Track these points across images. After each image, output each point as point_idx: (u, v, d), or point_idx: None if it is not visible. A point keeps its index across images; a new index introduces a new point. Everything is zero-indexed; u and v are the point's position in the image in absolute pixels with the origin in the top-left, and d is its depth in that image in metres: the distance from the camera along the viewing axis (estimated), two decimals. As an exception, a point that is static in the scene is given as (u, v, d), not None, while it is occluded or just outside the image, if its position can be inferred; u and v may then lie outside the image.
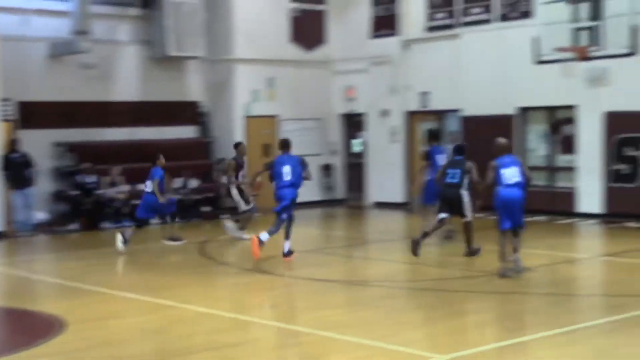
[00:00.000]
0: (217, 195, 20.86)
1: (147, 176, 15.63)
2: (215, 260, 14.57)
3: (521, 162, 12.37)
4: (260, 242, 13.45)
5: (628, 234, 16.54)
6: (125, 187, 19.36)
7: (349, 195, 23.97)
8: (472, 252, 13.68)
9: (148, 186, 15.50)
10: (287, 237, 13.79)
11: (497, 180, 11.95)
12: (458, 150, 14.00)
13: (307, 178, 14.01)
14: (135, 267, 14.34)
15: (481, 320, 9.84)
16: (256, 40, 22.20)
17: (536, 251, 14.33)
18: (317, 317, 9.88)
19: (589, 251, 15.08)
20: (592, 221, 18.26)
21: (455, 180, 13.53)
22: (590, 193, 18.73)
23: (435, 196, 14.38)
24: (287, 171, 13.74)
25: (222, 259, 14.86)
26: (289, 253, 13.85)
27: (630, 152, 18.06)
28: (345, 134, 24.14)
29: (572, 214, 18.91)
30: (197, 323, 9.81)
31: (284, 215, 13.74)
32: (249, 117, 22.30)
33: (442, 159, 15.18)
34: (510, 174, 11.93)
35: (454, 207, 13.58)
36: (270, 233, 13.61)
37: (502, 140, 12.47)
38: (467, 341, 8.88)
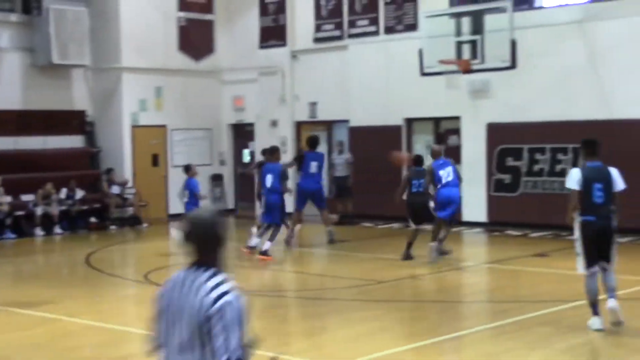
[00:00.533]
0: (105, 206, 20.49)
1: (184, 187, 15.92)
2: (103, 272, 14.30)
3: (453, 163, 14.57)
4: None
5: (510, 241, 17.07)
6: (7, 199, 18.77)
7: (239, 206, 23.92)
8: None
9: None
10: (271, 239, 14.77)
11: (436, 180, 14.12)
12: (418, 161, 15.03)
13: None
14: (19, 279, 13.94)
15: (371, 329, 9.97)
16: (144, 48, 21.93)
17: (424, 259, 14.63)
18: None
19: (474, 259, 15.49)
20: (477, 229, 18.76)
21: (421, 190, 14.50)
22: (474, 202, 19.24)
23: (303, 201, 16.40)
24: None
25: (110, 271, 14.59)
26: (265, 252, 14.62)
27: (511, 162, 18.66)
28: (235, 144, 24.09)
29: (457, 222, 19.36)
30: (83, 336, 9.62)
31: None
32: (137, 127, 21.99)
33: (314, 166, 15.87)
34: (445, 174, 14.08)
35: (424, 215, 14.46)
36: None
37: (435, 146, 15.04)
38: (357, 350, 8.97)
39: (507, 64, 15.95)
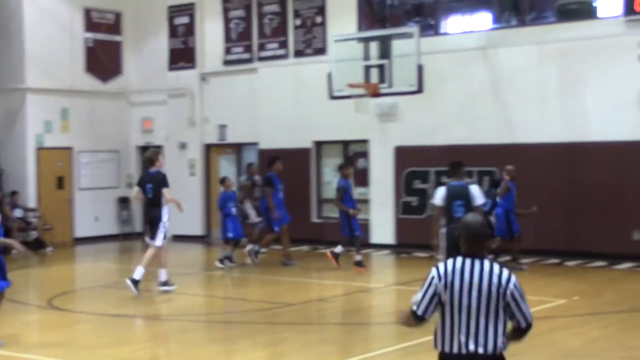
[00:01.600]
0: (7, 229, 19.92)
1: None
2: (4, 297, 13.85)
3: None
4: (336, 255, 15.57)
5: (417, 263, 17.27)
6: None
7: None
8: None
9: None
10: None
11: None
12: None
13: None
14: None
15: (279, 352, 9.95)
16: (49, 69, 21.53)
17: (331, 282, 14.71)
18: (114, 354, 9.64)
19: (381, 281, 15.61)
20: (384, 252, 18.94)
21: None
22: (382, 224, 19.44)
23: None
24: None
25: (11, 296, 14.17)
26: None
27: (418, 185, 18.94)
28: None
29: (366, 244, 19.51)
30: (-16, 365, 9.32)
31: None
32: (42, 149, 21.53)
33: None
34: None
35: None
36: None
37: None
38: (266, 372, 8.93)
39: (414, 88, 16.18)
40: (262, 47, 21.44)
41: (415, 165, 18.98)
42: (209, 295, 13.55)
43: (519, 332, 5.17)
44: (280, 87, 20.92)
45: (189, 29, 22.45)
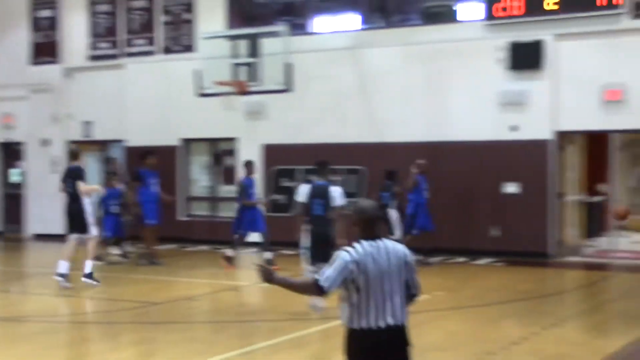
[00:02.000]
0: None
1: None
2: None
3: None
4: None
5: (286, 260, 17.34)
6: None
7: (5, 228, 22.86)
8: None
9: None
10: None
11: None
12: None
13: None
14: None
15: (143, 351, 9.83)
16: None
17: (199, 280, 14.64)
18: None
19: (249, 278, 15.61)
20: (253, 249, 18.91)
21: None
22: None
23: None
24: None
25: None
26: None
27: (286, 183, 19.06)
28: (1, 164, 23.02)
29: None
30: None
31: None
32: None
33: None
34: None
35: None
36: None
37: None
38: (130, 372, 8.83)
39: (283, 87, 16.28)
40: (129, 43, 21.09)
41: (283, 163, 19.10)
42: (73, 295, 13.24)
43: (411, 301, 5.58)
44: (147, 84, 20.64)
45: (52, 22, 21.86)
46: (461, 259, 16.71)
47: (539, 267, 15.74)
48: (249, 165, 16.04)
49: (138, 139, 20.59)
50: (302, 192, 11.93)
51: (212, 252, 18.69)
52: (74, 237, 13.92)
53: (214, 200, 20.47)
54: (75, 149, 14.71)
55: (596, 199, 19.44)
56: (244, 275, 16.02)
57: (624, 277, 15.06)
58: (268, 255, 15.63)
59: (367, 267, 5.34)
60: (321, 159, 12.60)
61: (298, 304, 12.79)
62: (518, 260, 15.89)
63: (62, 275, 13.64)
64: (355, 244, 5.42)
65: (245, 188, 15.70)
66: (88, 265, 13.74)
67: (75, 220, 13.84)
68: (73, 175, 13.86)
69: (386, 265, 5.38)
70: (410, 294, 5.54)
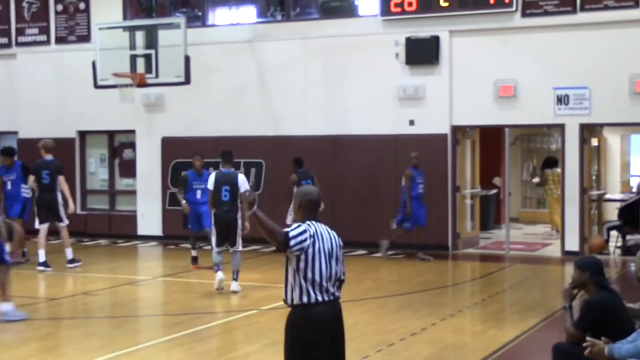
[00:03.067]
0: None
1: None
2: None
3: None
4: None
5: (184, 255, 17.25)
6: None
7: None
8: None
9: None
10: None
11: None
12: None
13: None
14: None
15: (39, 348, 9.62)
16: None
17: (97, 275, 14.41)
18: None
19: (149, 273, 15.46)
20: (152, 243, 18.77)
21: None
22: (149, 216, 19.25)
23: None
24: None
25: None
26: None
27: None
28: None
29: (133, 236, 19.27)
30: None
31: None
32: None
33: None
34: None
35: None
36: None
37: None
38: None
39: (182, 79, 16.14)
40: (20, 32, 20.53)
41: (183, 156, 18.92)
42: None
43: (341, 285, 6.01)
44: (41, 75, 20.15)
45: (-60, 9, 21.07)
46: (361, 252, 16.91)
47: (438, 260, 16.07)
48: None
49: (32, 130, 20.07)
50: (210, 180, 12.71)
51: (110, 246, 18.43)
52: (45, 227, 14.92)
53: (112, 193, 20.14)
54: (50, 143, 15.30)
55: (491, 192, 20.00)
56: (143, 270, 15.85)
57: (518, 267, 15.53)
58: (194, 253, 15.38)
59: (316, 245, 5.76)
60: (226, 149, 13.39)
61: (199, 298, 12.79)
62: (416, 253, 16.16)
63: (44, 264, 14.67)
64: (308, 222, 5.84)
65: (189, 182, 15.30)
66: (69, 252, 15.05)
67: (52, 210, 14.87)
68: (52, 168, 14.83)
69: (329, 243, 5.86)
70: (340, 279, 5.97)
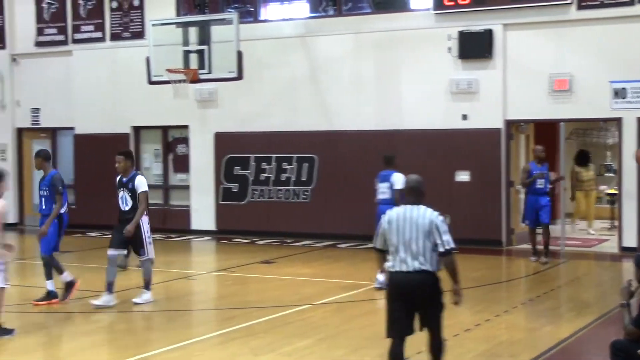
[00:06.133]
0: None
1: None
2: None
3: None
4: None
5: (238, 249, 17.37)
6: None
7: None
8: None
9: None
10: None
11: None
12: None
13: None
14: None
15: (96, 341, 9.76)
16: None
17: (152, 269, 14.52)
18: None
19: (203, 267, 15.59)
20: (205, 238, 18.91)
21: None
22: (203, 211, 19.39)
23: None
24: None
25: None
26: None
27: (239, 171, 18.99)
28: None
29: (186, 231, 19.43)
30: None
31: None
32: None
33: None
34: (380, 189, 12.85)
35: None
36: None
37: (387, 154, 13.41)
38: (84, 363, 8.77)
39: (234, 75, 16.20)
40: (76, 29, 20.82)
41: (235, 151, 19.03)
42: (29, 285, 13.08)
43: (441, 255, 7.07)
44: (96, 71, 20.40)
45: (-1, 8, 21.49)
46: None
47: (491, 255, 15.92)
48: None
49: (87, 126, 20.38)
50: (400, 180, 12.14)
51: (165, 240, 18.59)
52: None
53: (166, 188, 20.33)
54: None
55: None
56: (197, 264, 15.96)
57: (573, 264, 15.31)
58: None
59: (391, 224, 7.13)
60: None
61: (253, 292, 12.84)
62: (471, 248, 16.04)
63: None
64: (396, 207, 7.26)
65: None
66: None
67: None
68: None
69: (415, 223, 7.07)
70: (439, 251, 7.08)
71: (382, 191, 12.81)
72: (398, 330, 7.16)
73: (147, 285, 11.67)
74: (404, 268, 6.98)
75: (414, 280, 6.96)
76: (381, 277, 10.54)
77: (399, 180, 12.27)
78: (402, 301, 7.06)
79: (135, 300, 11.48)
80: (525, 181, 15.15)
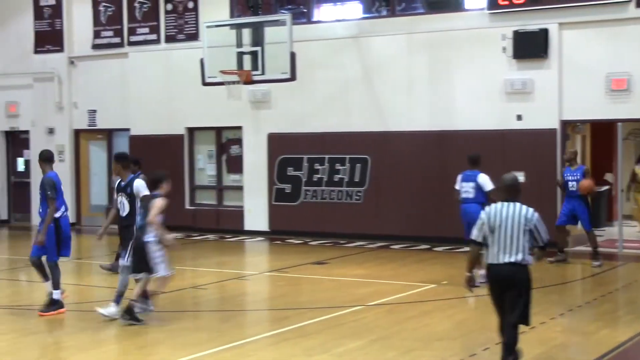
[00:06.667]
0: None
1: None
2: None
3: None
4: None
5: (291, 250, 17.41)
6: None
7: (12, 216, 22.90)
8: None
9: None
10: None
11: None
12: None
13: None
14: None
15: (151, 339, 9.85)
16: None
17: (205, 269, 14.65)
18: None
19: (256, 268, 15.66)
20: (258, 238, 18.99)
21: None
22: (256, 211, 19.47)
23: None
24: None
25: None
26: None
27: (292, 172, 19.04)
28: (7, 152, 23.04)
29: (239, 231, 19.53)
30: None
31: None
32: None
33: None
34: (464, 188, 13.07)
35: None
36: None
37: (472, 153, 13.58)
38: (139, 362, 8.85)
39: (287, 76, 16.26)
40: (132, 32, 21.07)
41: (288, 152, 19.08)
42: (83, 284, 13.27)
43: (540, 249, 7.81)
44: (151, 73, 20.63)
45: (56, 11, 21.83)
46: (468, 249, 16.66)
47: (546, 257, 15.70)
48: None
49: (142, 128, 20.60)
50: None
51: (218, 241, 18.72)
52: None
53: (219, 189, 20.45)
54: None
55: (603, 188, 19.42)
56: (251, 265, 16.02)
57: (632, 266, 15.05)
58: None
59: (490, 219, 7.75)
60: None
61: (306, 293, 12.86)
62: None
63: None
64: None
65: None
66: None
67: None
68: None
69: (504, 219, 7.66)
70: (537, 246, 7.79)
71: (466, 190, 13.00)
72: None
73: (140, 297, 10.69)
74: (506, 259, 7.68)
75: (510, 271, 7.70)
76: (481, 272, 10.23)
77: (487, 180, 12.68)
78: (502, 291, 7.88)
79: (100, 310, 10.67)
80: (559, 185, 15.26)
